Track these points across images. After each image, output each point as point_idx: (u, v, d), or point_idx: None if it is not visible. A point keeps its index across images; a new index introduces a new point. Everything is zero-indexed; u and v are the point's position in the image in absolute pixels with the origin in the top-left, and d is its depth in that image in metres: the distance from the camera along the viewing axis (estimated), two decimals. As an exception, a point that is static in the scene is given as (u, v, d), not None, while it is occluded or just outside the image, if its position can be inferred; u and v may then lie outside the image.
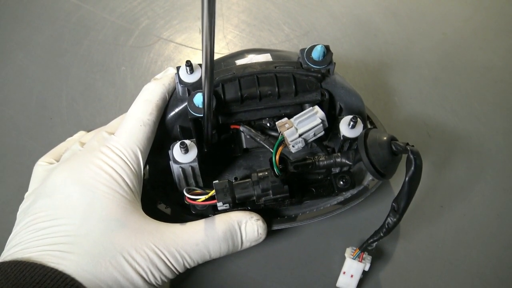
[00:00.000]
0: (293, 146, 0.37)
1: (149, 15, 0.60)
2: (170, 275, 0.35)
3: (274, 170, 0.36)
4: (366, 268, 0.41)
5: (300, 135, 0.37)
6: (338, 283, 0.41)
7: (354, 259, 0.40)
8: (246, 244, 0.38)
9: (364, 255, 0.41)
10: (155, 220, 0.36)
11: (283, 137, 0.37)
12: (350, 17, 0.61)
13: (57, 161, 0.42)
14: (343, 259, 0.41)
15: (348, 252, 0.41)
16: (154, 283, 0.34)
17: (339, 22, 0.61)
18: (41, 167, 0.41)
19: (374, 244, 0.40)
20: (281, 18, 0.61)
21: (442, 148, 0.51)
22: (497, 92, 0.55)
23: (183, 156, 0.38)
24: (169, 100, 0.41)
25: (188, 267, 0.36)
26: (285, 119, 0.37)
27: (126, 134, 0.38)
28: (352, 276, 0.40)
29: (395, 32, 0.60)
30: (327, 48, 0.40)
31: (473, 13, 0.62)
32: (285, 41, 0.59)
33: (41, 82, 0.54)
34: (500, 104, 0.54)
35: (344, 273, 0.41)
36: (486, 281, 0.43)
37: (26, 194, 0.40)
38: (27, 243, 0.33)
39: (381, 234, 0.38)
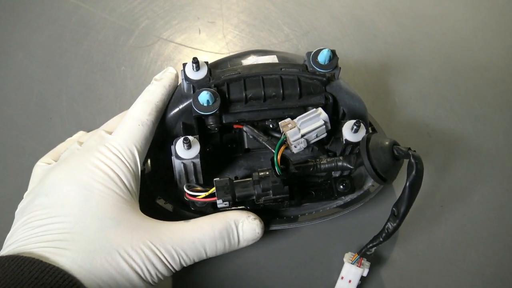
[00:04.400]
0: (295, 147, 0.37)
1: (149, 15, 0.60)
2: (166, 273, 0.35)
3: (275, 170, 0.36)
4: (365, 274, 0.40)
5: (302, 136, 0.37)
6: None
7: (353, 264, 0.40)
8: (243, 243, 0.38)
9: (362, 261, 0.40)
10: (152, 218, 0.36)
11: (285, 137, 0.37)
12: (350, 17, 0.61)
13: (56, 161, 0.42)
14: (342, 261, 0.41)
15: (347, 257, 0.41)
16: (150, 280, 0.34)
17: (339, 22, 0.61)
18: (39, 167, 0.42)
19: (373, 249, 0.40)
20: (281, 18, 0.61)
21: (442, 148, 0.51)
22: (497, 92, 0.55)
23: (185, 151, 0.38)
24: (171, 98, 0.41)
25: (185, 265, 0.36)
26: (288, 119, 0.38)
27: (124, 134, 0.38)
28: (350, 281, 0.40)
29: (395, 32, 0.60)
30: (333, 52, 0.40)
31: (473, 13, 0.62)
32: (285, 41, 0.59)
33: (41, 82, 0.54)
34: (500, 104, 0.54)
35: (342, 278, 0.40)
36: (486, 281, 0.43)
37: (25, 193, 0.40)
38: (24, 240, 0.33)
39: (381, 239, 0.38)
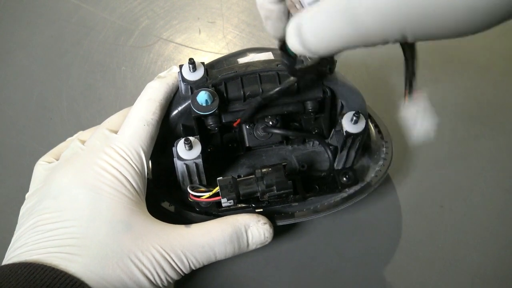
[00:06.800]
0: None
1: (149, 15, 0.60)
2: (175, 276, 0.35)
3: (287, 53, 0.32)
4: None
5: None
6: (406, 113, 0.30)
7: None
8: (252, 247, 0.38)
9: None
10: (161, 222, 0.36)
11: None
12: (350, 17, 0.61)
13: (57, 159, 0.42)
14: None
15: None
16: (160, 284, 0.34)
17: (339, 22, 0.61)
18: (41, 166, 0.41)
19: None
20: (281, 18, 0.61)
21: (442, 148, 0.51)
22: (497, 92, 0.55)
23: (187, 152, 0.38)
24: (173, 99, 0.41)
25: (194, 268, 0.36)
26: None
27: (130, 134, 0.38)
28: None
29: (395, 32, 0.60)
30: None
31: (473, 13, 0.62)
32: (285, 41, 0.59)
33: (41, 82, 0.54)
34: (500, 104, 0.54)
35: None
36: (486, 281, 0.43)
37: (27, 194, 0.39)
38: (33, 244, 0.33)
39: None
